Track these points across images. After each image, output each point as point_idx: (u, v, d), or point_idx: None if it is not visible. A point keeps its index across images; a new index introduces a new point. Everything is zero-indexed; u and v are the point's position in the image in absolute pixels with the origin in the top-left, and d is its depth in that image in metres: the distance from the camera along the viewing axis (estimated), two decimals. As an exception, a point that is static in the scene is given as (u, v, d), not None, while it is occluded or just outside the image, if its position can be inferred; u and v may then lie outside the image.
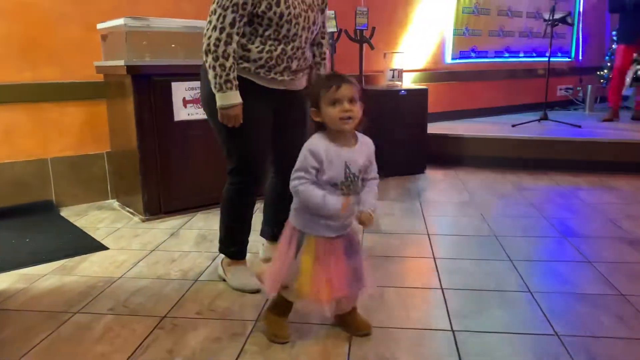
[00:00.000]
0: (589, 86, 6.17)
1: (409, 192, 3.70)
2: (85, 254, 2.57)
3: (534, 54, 6.17)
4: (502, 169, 4.26)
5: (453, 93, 5.48)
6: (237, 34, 1.90)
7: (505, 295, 2.06)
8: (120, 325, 1.85)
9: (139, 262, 2.46)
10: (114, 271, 2.35)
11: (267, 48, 1.95)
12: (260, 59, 1.95)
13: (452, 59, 5.51)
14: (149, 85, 2.97)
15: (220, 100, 1.92)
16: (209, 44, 1.88)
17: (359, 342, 1.72)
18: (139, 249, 2.63)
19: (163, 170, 3.08)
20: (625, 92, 5.64)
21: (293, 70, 2.04)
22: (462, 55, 5.59)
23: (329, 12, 3.82)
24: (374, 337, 1.75)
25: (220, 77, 1.88)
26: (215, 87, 1.90)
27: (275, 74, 1.99)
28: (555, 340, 1.71)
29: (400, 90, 4.15)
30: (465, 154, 4.50)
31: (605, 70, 6.17)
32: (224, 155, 2.11)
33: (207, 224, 2.98)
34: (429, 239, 2.73)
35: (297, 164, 1.59)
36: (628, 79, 5.59)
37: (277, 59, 1.97)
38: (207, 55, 1.89)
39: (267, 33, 1.94)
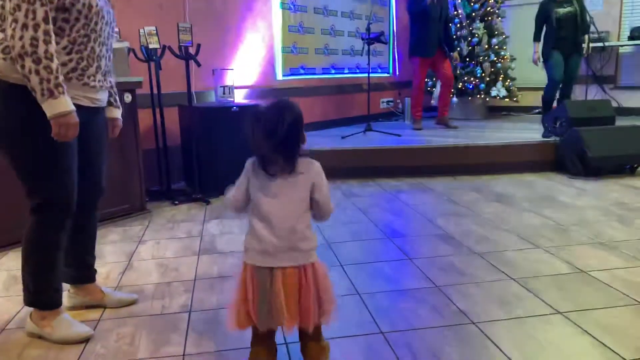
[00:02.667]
0: (407, 98, 6.79)
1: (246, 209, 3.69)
2: None
3: (357, 70, 6.62)
4: (335, 178, 4.47)
5: (286, 108, 5.63)
6: (52, 31, 1.66)
7: (337, 300, 2.14)
8: None
9: None
10: None
11: (76, 47, 1.75)
12: (71, 60, 1.74)
13: (283, 75, 5.67)
14: None
15: (54, 108, 1.64)
16: (23, 46, 1.59)
17: (191, 370, 1.66)
18: None
19: (-41, 207, 2.67)
20: (434, 103, 6.33)
21: (103, 71, 1.88)
22: (292, 72, 5.78)
23: (150, 28, 3.68)
24: (207, 363, 1.70)
25: (49, 81, 1.62)
26: (44, 94, 1.63)
27: (89, 77, 1.80)
28: (380, 338, 1.82)
29: (233, 106, 4.14)
30: (300, 167, 4.63)
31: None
32: (27, 188, 1.81)
33: (18, 264, 2.62)
34: (266, 254, 2.74)
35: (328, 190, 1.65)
36: (436, 92, 6.28)
37: (88, 59, 1.79)
38: (22, 59, 1.60)
39: (74, 29, 1.74)
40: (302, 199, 1.57)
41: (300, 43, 5.81)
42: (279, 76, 5.64)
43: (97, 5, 1.77)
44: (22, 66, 1.62)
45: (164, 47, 3.79)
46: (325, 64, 6.20)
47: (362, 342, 1.81)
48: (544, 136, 4.88)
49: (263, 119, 1.47)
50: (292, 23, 5.66)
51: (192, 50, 3.87)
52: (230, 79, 4.45)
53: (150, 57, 3.75)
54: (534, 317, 1.95)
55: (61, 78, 1.67)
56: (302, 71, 5.89)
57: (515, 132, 5.44)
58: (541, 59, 5.51)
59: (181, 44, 3.74)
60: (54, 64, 1.64)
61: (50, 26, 1.65)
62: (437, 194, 3.96)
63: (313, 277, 1.55)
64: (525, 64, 6.13)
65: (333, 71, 6.31)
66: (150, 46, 3.69)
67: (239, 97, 4.84)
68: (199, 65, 3.89)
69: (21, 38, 1.60)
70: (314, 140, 5.15)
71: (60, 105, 1.66)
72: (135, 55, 3.74)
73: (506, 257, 2.58)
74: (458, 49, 6.12)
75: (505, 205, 3.56)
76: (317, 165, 1.58)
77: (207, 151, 3.96)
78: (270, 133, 1.45)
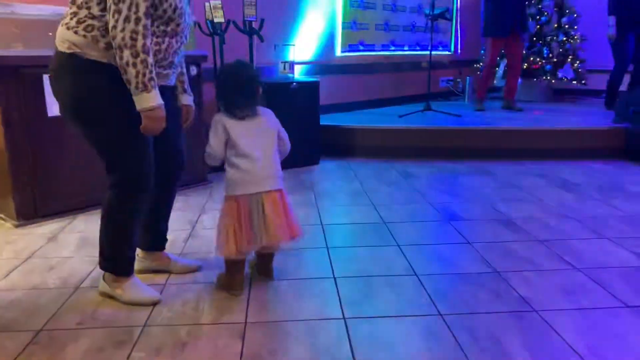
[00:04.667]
0: (468, 78, 6.61)
1: (303, 184, 3.73)
2: (-55, 267, 2.30)
3: (418, 48, 6.48)
4: (390, 157, 4.43)
5: (344, 85, 5.61)
6: (149, 25, 1.74)
7: (394, 280, 2.15)
8: (-12, 344, 1.68)
9: (11, 272, 2.25)
10: (-19, 284, 2.13)
11: (155, 40, 1.81)
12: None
13: (342, 51, 5.62)
14: (16, 78, 2.70)
15: (146, 101, 1.74)
16: (123, 37, 1.67)
17: (252, 339, 1.71)
18: (12, 258, 2.40)
19: (37, 171, 2.83)
20: (498, 83, 6.11)
21: (174, 65, 1.95)
22: (352, 48, 5.72)
23: (216, 2, 3.73)
24: (267, 332, 1.75)
25: (144, 75, 1.71)
26: (138, 87, 1.71)
27: (160, 67, 1.87)
28: (439, 320, 1.82)
29: (293, 82, 4.16)
30: (356, 144, 4.63)
31: (481, 63, 6.63)
32: (105, 164, 1.88)
33: (89, 227, 2.78)
34: (323, 229, 2.77)
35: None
36: (501, 71, 6.06)
37: (165, 53, 1.86)
38: (122, 50, 1.68)
39: (156, 23, 1.80)
40: (272, 135, 2.03)
41: (361, 19, 5.73)
42: (338, 52, 5.60)
43: (180, 8, 1.85)
44: (121, 57, 1.70)
45: (228, 21, 3.83)
46: (385, 40, 6.09)
47: (420, 322, 1.80)
48: (614, 122, 4.64)
49: (236, 75, 1.95)
50: (353, -2, 5.58)
51: (255, 25, 3.90)
52: (290, 54, 4.46)
53: (215, 31, 3.80)
54: (600, 309, 1.89)
55: (155, 72, 1.75)
56: (361, 47, 5.81)
57: (582, 117, 5.20)
58: (614, 36, 5.19)
59: (246, 19, 3.78)
60: (150, 59, 1.72)
61: (149, 21, 1.73)
62: (497, 177, 3.86)
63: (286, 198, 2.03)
64: (597, 44, 5.81)
65: (392, 48, 6.20)
66: (216, 20, 3.73)
67: (298, 73, 4.85)
68: (262, 40, 3.91)
69: (123, 30, 1.67)
70: (369, 119, 5.12)
71: (151, 100, 1.75)
72: (201, 29, 3.81)
73: (570, 246, 2.49)
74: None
75: (570, 193, 3.43)
76: (271, 111, 2.07)
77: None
78: (242, 85, 1.94)
